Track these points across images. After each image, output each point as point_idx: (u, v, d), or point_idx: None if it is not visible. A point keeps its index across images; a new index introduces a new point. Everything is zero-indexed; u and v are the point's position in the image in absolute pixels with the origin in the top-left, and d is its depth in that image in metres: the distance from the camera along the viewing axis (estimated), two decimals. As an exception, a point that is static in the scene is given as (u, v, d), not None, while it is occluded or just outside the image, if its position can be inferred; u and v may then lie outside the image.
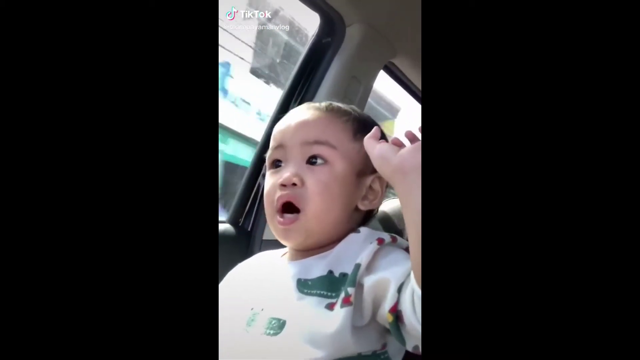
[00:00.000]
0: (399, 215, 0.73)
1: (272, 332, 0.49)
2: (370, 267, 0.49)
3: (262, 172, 0.97)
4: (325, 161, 0.56)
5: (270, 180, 0.58)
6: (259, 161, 0.98)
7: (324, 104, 0.62)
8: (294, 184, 0.55)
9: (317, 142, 0.56)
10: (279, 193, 0.56)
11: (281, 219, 0.55)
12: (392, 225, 0.73)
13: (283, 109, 0.98)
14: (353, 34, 0.97)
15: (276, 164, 0.59)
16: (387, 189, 0.61)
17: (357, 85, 1.01)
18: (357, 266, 0.50)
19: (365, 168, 0.58)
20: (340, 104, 0.63)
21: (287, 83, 1.01)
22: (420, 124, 0.47)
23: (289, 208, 0.56)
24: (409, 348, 0.46)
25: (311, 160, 0.56)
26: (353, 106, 0.64)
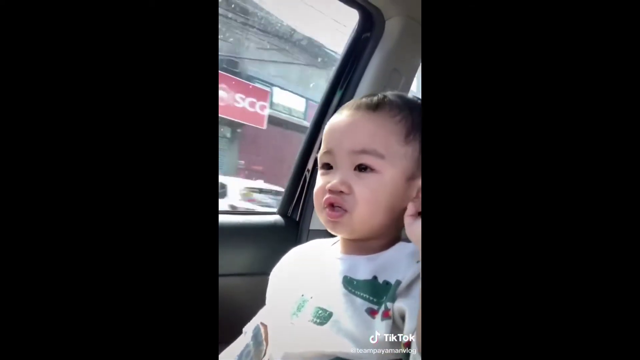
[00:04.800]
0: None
1: (318, 321, 0.53)
2: (409, 287, 0.51)
3: (307, 167, 1.02)
4: (373, 169, 0.56)
5: (320, 181, 0.60)
6: (305, 156, 1.03)
7: (376, 99, 0.59)
8: (341, 191, 0.56)
9: (364, 152, 0.56)
10: (327, 195, 0.57)
11: (330, 212, 0.57)
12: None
13: (326, 104, 1.02)
14: (392, 27, 0.99)
15: (327, 166, 0.60)
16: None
17: (398, 78, 1.03)
18: (398, 283, 0.52)
19: (416, 171, 0.57)
20: (395, 97, 0.60)
21: (329, 78, 1.04)
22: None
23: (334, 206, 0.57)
24: None
25: (360, 168, 0.56)
26: (409, 97, 0.62)
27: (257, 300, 0.70)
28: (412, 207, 0.51)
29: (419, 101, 0.61)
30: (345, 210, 0.56)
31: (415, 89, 1.10)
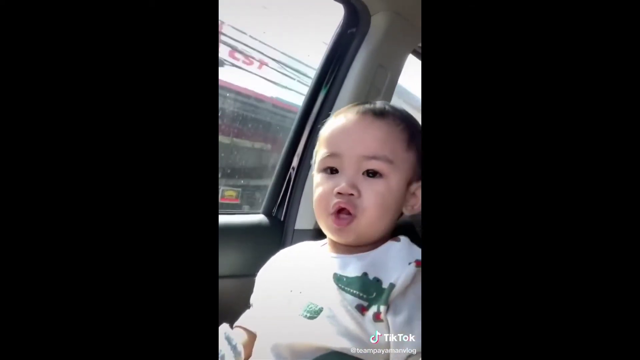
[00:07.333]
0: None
1: (308, 315, 0.54)
2: (404, 293, 0.51)
3: (292, 165, 1.00)
4: (382, 175, 0.58)
5: (324, 185, 0.60)
6: (290, 153, 1.01)
7: (378, 106, 0.62)
8: (351, 194, 0.57)
9: (375, 157, 0.58)
10: (334, 200, 0.58)
11: (337, 220, 0.58)
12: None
13: (311, 101, 1.00)
14: (378, 22, 0.97)
15: (331, 170, 0.60)
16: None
17: (384, 74, 1.02)
18: (392, 286, 0.52)
19: (413, 176, 0.60)
20: (392, 107, 0.63)
21: (315, 75, 1.02)
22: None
23: (343, 211, 0.58)
24: None
25: (368, 173, 0.58)
26: (402, 109, 0.65)
27: (241, 303, 0.67)
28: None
29: (407, 113, 0.64)
30: (353, 217, 0.57)
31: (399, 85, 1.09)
